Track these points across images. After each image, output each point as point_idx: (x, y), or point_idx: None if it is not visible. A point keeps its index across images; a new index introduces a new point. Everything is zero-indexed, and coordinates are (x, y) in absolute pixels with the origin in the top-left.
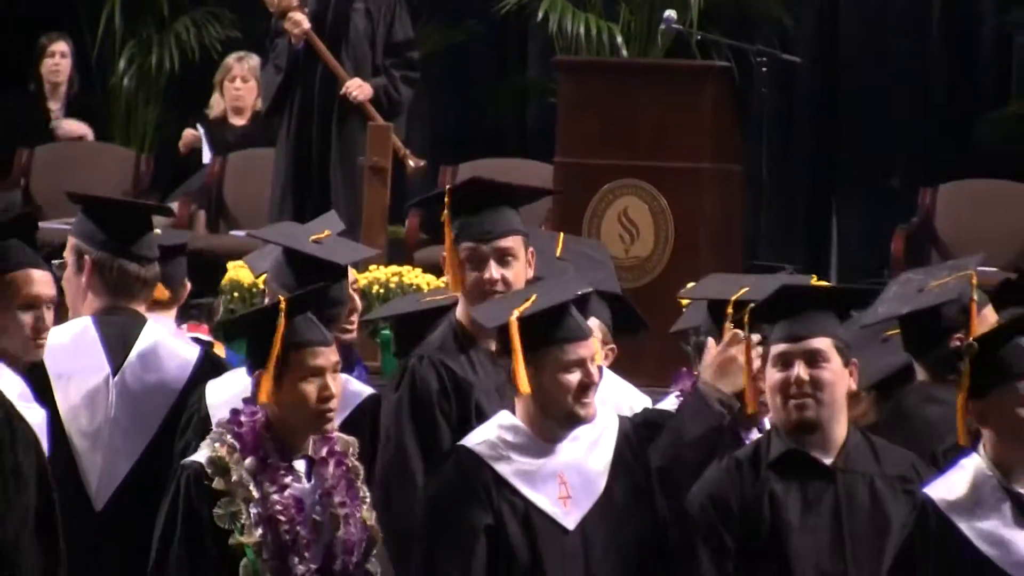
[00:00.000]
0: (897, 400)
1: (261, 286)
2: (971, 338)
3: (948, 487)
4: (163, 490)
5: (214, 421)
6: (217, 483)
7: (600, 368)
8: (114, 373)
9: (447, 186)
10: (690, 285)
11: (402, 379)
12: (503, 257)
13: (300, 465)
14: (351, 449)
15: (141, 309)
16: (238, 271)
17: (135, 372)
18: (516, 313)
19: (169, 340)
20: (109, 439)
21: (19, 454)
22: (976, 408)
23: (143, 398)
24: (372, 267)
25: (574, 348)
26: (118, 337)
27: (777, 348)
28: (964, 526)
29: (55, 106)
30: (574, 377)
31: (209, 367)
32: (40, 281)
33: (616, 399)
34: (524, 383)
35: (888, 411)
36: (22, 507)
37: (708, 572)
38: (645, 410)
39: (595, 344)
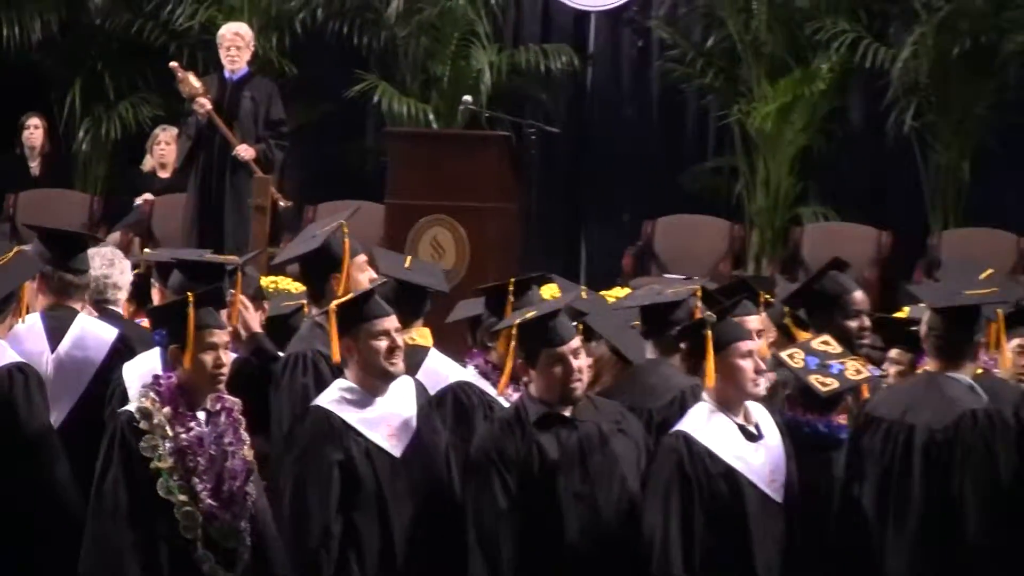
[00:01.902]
0: (631, 371)
1: None
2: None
3: (693, 422)
4: (87, 434)
5: (129, 393)
6: (143, 425)
7: (426, 348)
8: (52, 351)
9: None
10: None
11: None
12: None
13: (201, 415)
14: (236, 406)
15: (78, 306)
16: None
17: (67, 350)
18: (335, 302)
19: (93, 326)
20: (50, 397)
21: None
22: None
23: (72, 368)
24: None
25: (380, 322)
26: (57, 327)
27: (560, 349)
28: (713, 447)
29: (33, 164)
30: (383, 343)
31: (123, 345)
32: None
33: (440, 368)
34: (336, 354)
35: (623, 378)
36: None
37: (501, 499)
38: None
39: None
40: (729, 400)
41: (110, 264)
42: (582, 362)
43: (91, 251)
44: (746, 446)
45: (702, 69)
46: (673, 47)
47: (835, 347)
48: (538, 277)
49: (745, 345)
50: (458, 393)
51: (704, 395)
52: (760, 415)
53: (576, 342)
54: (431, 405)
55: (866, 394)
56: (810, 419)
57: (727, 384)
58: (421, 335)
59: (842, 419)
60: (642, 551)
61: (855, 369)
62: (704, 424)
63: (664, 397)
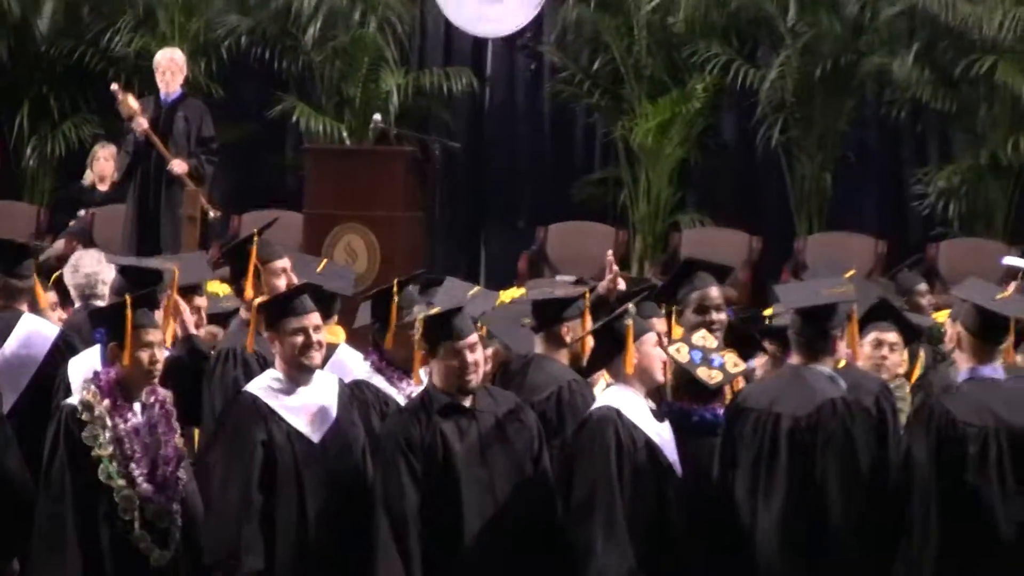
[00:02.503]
0: (520, 364)
1: None
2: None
3: (617, 400)
4: (31, 424)
5: (73, 387)
6: (85, 416)
7: (336, 344)
8: None
9: (254, 231)
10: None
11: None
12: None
13: (137, 407)
14: (168, 398)
15: (23, 307)
16: None
17: (12, 348)
18: (257, 301)
19: (36, 325)
20: None
21: None
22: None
23: (16, 364)
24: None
25: (297, 320)
26: (3, 327)
27: (458, 344)
28: (631, 422)
29: None
30: (299, 339)
31: (63, 342)
32: None
33: (347, 363)
34: (250, 345)
35: (511, 371)
36: None
37: (407, 481)
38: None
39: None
40: (643, 384)
41: (98, 262)
42: (478, 356)
43: (80, 252)
44: (657, 425)
45: (589, 90)
46: (563, 70)
47: (712, 341)
48: (419, 276)
49: (654, 336)
50: (354, 390)
51: (615, 381)
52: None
53: (474, 337)
54: (351, 399)
55: (740, 384)
56: (696, 408)
57: (642, 370)
58: (333, 332)
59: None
60: (574, 514)
61: (733, 362)
62: (625, 403)
63: (543, 391)
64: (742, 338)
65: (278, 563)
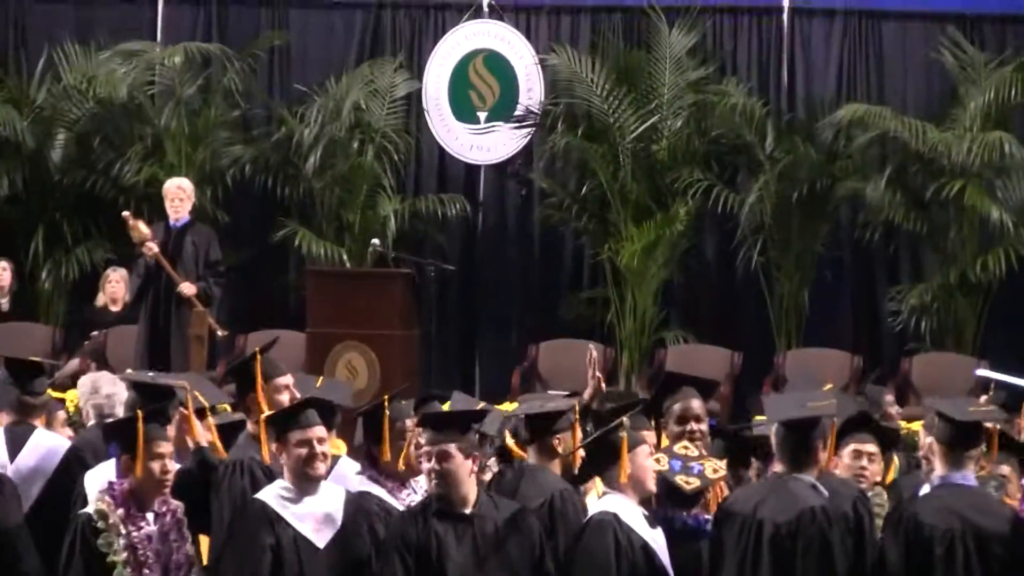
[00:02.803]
0: (514, 473)
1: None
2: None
3: (614, 507)
4: (44, 534)
5: (89, 498)
6: (101, 524)
7: (338, 456)
8: (11, 461)
9: (256, 350)
10: None
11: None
12: (287, 387)
13: (150, 516)
14: (180, 508)
15: (37, 422)
16: None
17: (24, 461)
18: (264, 415)
19: (48, 440)
20: None
21: None
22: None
23: (29, 474)
24: None
25: (302, 432)
26: (17, 440)
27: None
28: (628, 526)
29: (3, 300)
30: (303, 451)
31: (73, 455)
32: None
33: (347, 475)
34: (267, 457)
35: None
36: None
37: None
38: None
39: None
40: (636, 493)
41: (113, 383)
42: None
43: (96, 375)
44: (651, 531)
45: (577, 214)
46: (551, 195)
47: (693, 450)
48: (443, 396)
49: (647, 448)
50: (360, 500)
51: (609, 490)
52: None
53: (452, 446)
54: (357, 509)
55: (723, 489)
56: (678, 514)
57: (636, 480)
58: (334, 445)
59: (706, 513)
60: None
61: (712, 468)
62: (621, 509)
63: (536, 500)
64: (737, 448)
65: None
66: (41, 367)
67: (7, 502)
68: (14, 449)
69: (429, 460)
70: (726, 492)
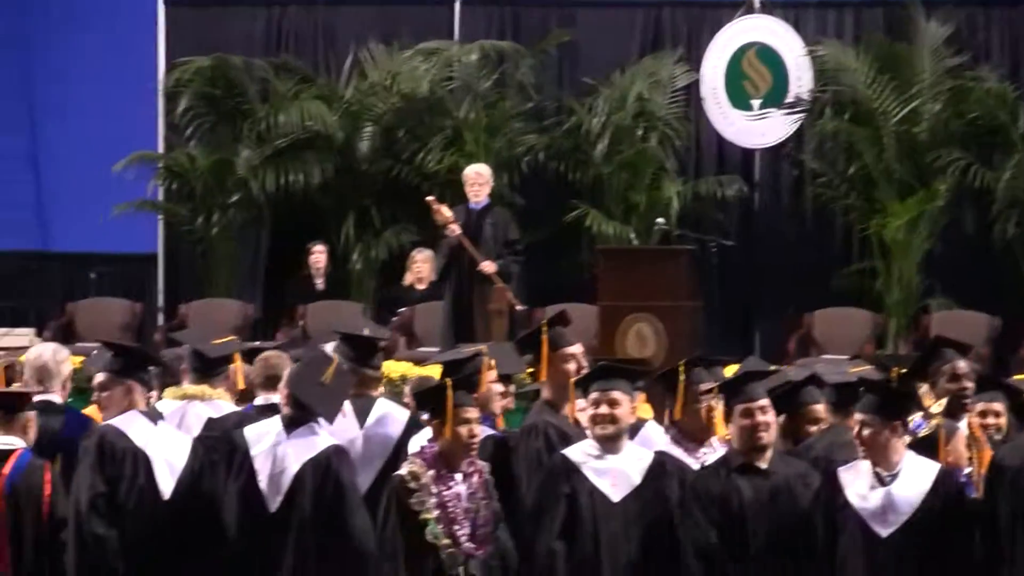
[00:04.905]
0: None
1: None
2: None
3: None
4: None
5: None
6: (413, 484)
7: (645, 420)
8: (360, 429)
9: (542, 322)
10: None
11: (531, 435)
12: (574, 356)
13: (458, 476)
14: (486, 467)
15: (375, 394)
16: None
17: (371, 428)
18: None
19: (390, 408)
20: (360, 465)
21: None
22: None
23: (376, 442)
24: None
25: (594, 394)
26: (362, 410)
27: (742, 406)
28: (848, 492)
29: (319, 281)
30: (596, 409)
31: (413, 424)
32: None
33: (651, 437)
34: (572, 415)
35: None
36: None
37: (704, 528)
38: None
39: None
40: (876, 459)
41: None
42: (768, 418)
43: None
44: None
45: (845, 192)
46: (822, 175)
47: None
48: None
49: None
50: (661, 462)
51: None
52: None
53: (765, 400)
54: (655, 471)
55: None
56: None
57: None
58: (643, 409)
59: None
60: None
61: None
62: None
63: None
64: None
65: None
66: (376, 343)
67: (341, 464)
68: (361, 419)
69: (746, 416)
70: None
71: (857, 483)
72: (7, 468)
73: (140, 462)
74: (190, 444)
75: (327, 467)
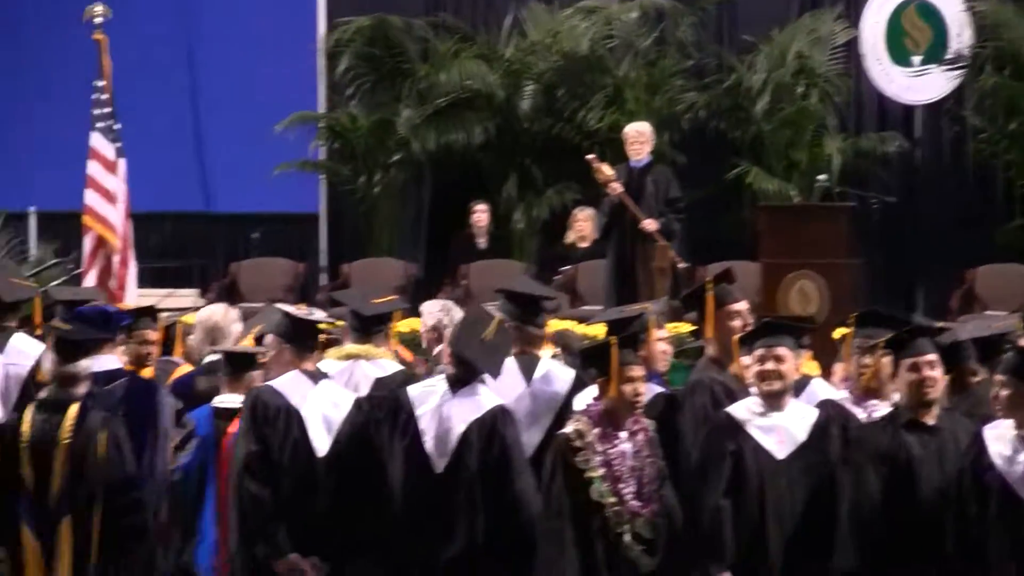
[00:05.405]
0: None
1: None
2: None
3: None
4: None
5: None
6: (578, 442)
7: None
8: (527, 385)
9: (706, 280)
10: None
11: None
12: (739, 313)
13: (623, 434)
14: (651, 426)
15: (538, 352)
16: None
17: (538, 385)
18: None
19: (555, 367)
20: (527, 421)
21: None
22: None
23: (543, 398)
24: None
25: (759, 351)
26: (527, 368)
27: (909, 360)
28: (992, 453)
29: (481, 240)
30: (761, 366)
31: (579, 380)
32: None
33: (818, 392)
34: (739, 372)
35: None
36: None
37: (872, 483)
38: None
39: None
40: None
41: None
42: (936, 373)
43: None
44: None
45: (1006, 147)
46: (982, 131)
47: None
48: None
49: None
50: (828, 415)
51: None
52: None
53: (933, 355)
54: (820, 425)
55: None
56: None
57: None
58: (809, 365)
59: None
60: None
61: None
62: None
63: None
64: None
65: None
66: (540, 301)
67: (506, 424)
68: (527, 376)
69: (914, 371)
70: None
71: (1000, 444)
72: (233, 426)
73: (293, 419)
74: (351, 402)
75: (492, 427)
